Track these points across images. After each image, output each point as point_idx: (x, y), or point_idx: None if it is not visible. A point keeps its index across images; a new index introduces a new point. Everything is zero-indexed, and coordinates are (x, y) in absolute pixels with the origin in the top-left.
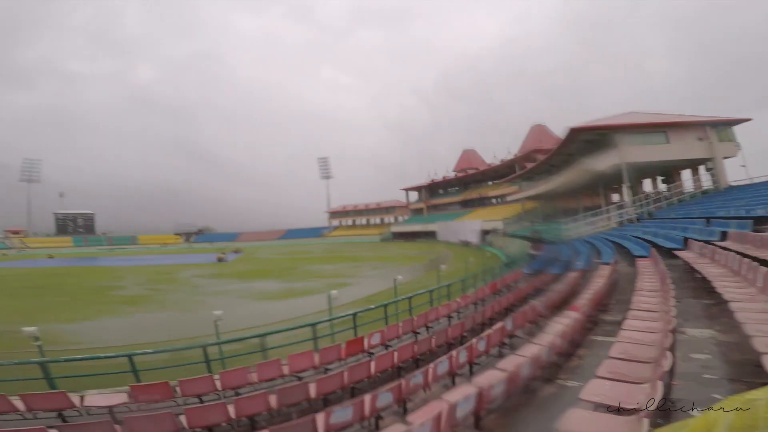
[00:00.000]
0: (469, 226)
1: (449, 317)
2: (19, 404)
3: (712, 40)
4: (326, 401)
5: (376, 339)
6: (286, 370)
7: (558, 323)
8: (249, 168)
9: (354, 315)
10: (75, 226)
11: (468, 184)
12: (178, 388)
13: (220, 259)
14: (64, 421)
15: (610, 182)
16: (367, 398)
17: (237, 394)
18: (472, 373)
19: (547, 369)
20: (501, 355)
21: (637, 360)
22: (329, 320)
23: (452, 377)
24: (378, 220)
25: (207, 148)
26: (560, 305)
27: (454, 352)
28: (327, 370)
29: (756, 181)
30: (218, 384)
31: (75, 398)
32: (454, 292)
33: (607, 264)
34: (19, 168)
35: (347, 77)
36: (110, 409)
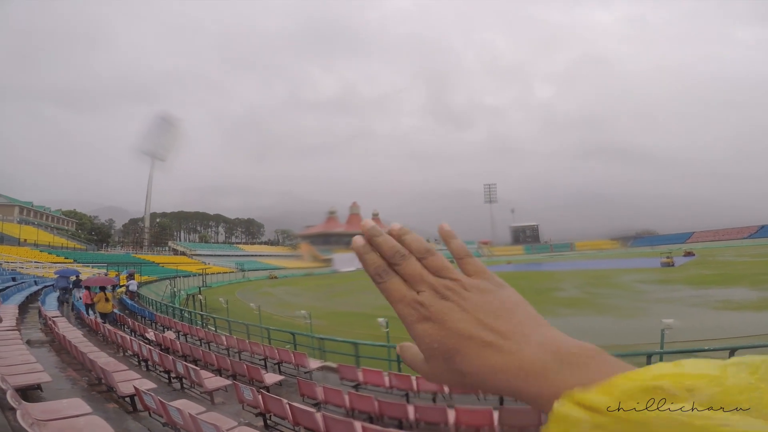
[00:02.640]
0: None
1: None
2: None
3: None
4: None
5: None
6: None
7: None
8: (690, 159)
9: None
10: (525, 236)
11: None
12: None
13: (665, 264)
14: (501, 404)
15: None
16: None
17: None
18: None
19: None
20: None
21: None
22: None
23: None
24: None
25: (629, 148)
26: None
27: None
28: None
29: None
30: None
31: None
32: None
33: None
34: (481, 192)
35: None
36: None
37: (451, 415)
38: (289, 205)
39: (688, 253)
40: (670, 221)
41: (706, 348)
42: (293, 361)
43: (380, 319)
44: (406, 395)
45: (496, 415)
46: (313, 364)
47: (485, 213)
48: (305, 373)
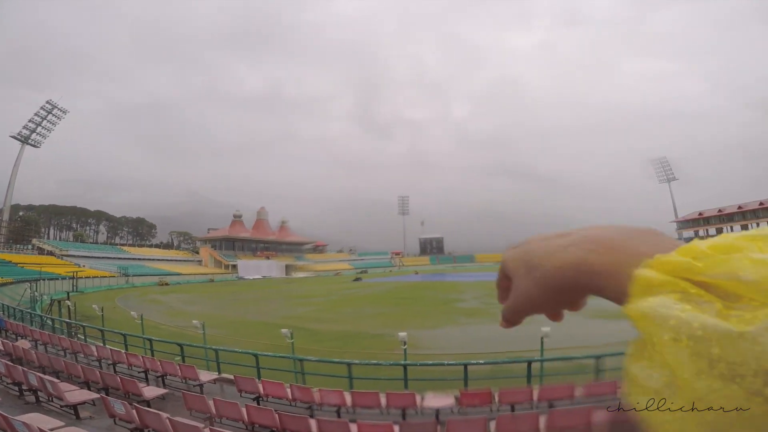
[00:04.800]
0: None
1: None
2: (383, 400)
3: None
4: None
5: None
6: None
7: None
8: (573, 179)
9: None
10: (431, 247)
11: None
12: (497, 396)
13: None
14: (404, 418)
15: None
16: None
17: (551, 406)
18: None
19: None
20: None
21: None
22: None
23: None
24: (762, 225)
25: (527, 168)
26: None
27: None
28: None
29: None
30: (535, 396)
31: (418, 398)
32: None
33: None
34: (396, 203)
35: (664, 63)
36: (437, 411)
37: (354, 429)
38: (191, 206)
39: None
40: None
41: (577, 356)
42: (180, 374)
43: (284, 330)
44: (310, 408)
45: (397, 429)
46: (206, 376)
47: (399, 224)
48: (196, 386)
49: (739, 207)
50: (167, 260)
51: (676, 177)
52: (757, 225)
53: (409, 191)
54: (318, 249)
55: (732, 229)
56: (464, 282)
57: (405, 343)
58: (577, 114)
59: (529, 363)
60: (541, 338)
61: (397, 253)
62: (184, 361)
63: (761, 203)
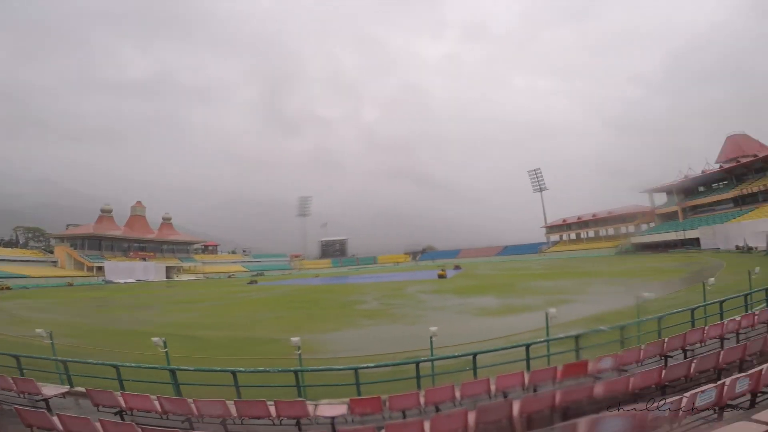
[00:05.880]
0: (750, 227)
1: (722, 339)
2: (272, 410)
3: None
4: (530, 422)
5: (607, 363)
6: (493, 388)
7: None
8: (463, 186)
9: (577, 336)
10: (333, 250)
11: (742, 176)
12: (387, 402)
13: (440, 276)
14: (299, 429)
15: None
16: (583, 423)
17: (437, 410)
18: (754, 405)
19: None
20: None
21: None
22: (544, 341)
23: (720, 410)
24: (611, 231)
25: (425, 173)
26: None
27: (727, 381)
28: (537, 389)
29: None
30: (422, 400)
31: (311, 407)
32: (731, 311)
33: None
34: (297, 204)
35: (546, 81)
36: (332, 419)
37: None
38: (44, 197)
39: (457, 267)
40: (446, 239)
41: (457, 354)
42: (15, 388)
43: (155, 339)
44: (188, 421)
45: None
46: (52, 390)
47: (300, 225)
48: (39, 401)
49: (593, 215)
50: (11, 260)
51: (547, 187)
52: (606, 231)
53: (312, 191)
54: (208, 249)
55: (588, 234)
56: (366, 283)
57: (299, 348)
58: (471, 125)
59: (417, 364)
60: (430, 338)
61: (297, 256)
62: (22, 374)
63: (594, 215)
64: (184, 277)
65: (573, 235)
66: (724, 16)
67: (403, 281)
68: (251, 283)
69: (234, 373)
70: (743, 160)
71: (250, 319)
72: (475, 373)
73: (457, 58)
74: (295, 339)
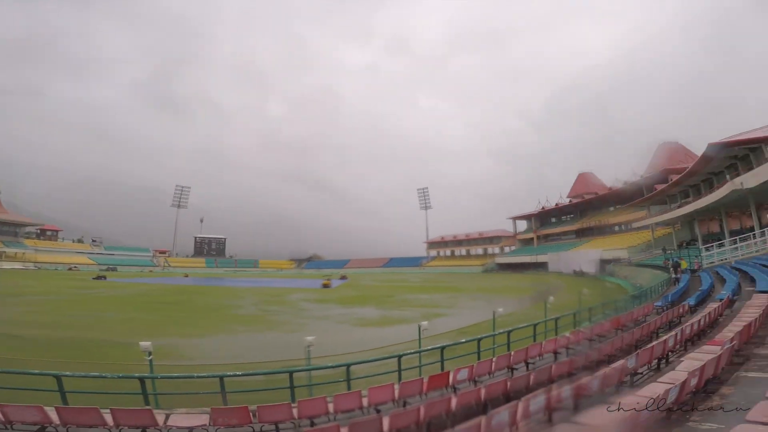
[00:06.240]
0: (585, 255)
1: (555, 353)
2: (108, 418)
3: None
4: None
5: (463, 374)
6: (365, 402)
7: (693, 359)
8: (358, 197)
9: (442, 348)
10: (209, 249)
11: (584, 211)
12: (257, 413)
13: (325, 285)
14: None
15: (764, 200)
16: None
17: (312, 424)
18: (576, 409)
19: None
20: (618, 393)
21: None
22: (415, 353)
23: (549, 414)
24: (480, 251)
25: (323, 179)
26: (697, 340)
27: (554, 388)
28: (406, 403)
29: None
30: (295, 412)
31: (161, 416)
32: (565, 326)
33: (764, 292)
34: (172, 193)
35: (447, 105)
36: (190, 430)
37: None
38: None
39: (343, 277)
40: (336, 248)
41: (331, 365)
42: None
43: None
44: None
45: None
46: None
47: (171, 218)
48: None
49: (467, 235)
50: None
51: (432, 206)
52: (476, 250)
53: (192, 182)
54: (46, 235)
55: (461, 252)
56: (244, 287)
57: (150, 354)
58: (377, 137)
59: (291, 374)
60: (307, 347)
61: (163, 252)
62: None
63: (467, 235)
64: (6, 265)
65: (449, 252)
66: (598, 60)
67: (286, 288)
68: (98, 278)
69: (58, 377)
70: (587, 197)
71: (94, 318)
72: (348, 385)
73: (376, 68)
74: (145, 343)
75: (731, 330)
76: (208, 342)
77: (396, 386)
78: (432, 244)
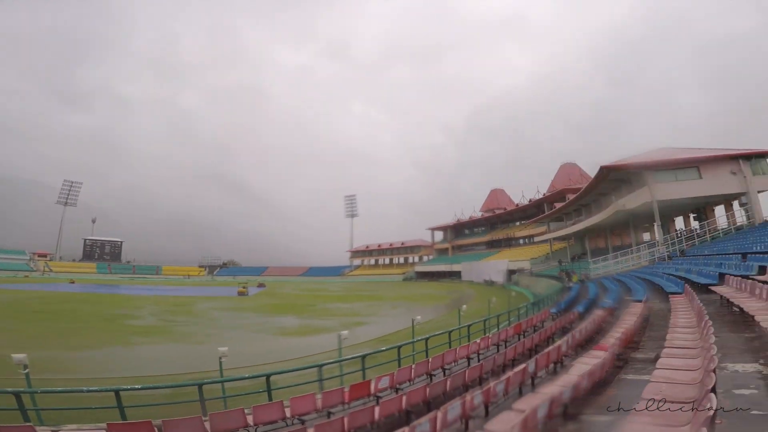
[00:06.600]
0: (494, 266)
1: (468, 359)
2: None
3: (742, 66)
4: None
5: (384, 382)
6: (288, 412)
7: (583, 363)
8: (280, 202)
9: (363, 357)
10: (102, 252)
11: (495, 225)
12: (162, 428)
13: (240, 293)
14: None
15: (640, 221)
16: None
17: None
18: (487, 414)
19: (569, 409)
20: (521, 395)
21: (674, 400)
22: (336, 362)
23: (465, 421)
24: (402, 260)
25: (241, 181)
26: (586, 344)
27: (468, 396)
28: (330, 414)
29: None
30: (208, 426)
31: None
32: (476, 333)
33: (639, 301)
34: (59, 190)
35: (379, 114)
36: None
37: None
38: None
39: (261, 285)
40: (253, 255)
41: (248, 375)
42: None
43: None
44: None
45: None
46: None
47: (56, 217)
48: None
49: (390, 245)
50: None
51: (358, 214)
52: (398, 259)
53: (84, 177)
54: None
55: (384, 261)
56: (143, 296)
57: (26, 367)
58: (304, 141)
59: (200, 386)
60: (220, 359)
61: (43, 255)
62: None
63: (390, 244)
64: None
65: (373, 261)
66: (516, 83)
67: (194, 297)
68: None
69: None
70: (497, 212)
71: None
72: (269, 396)
73: (311, 71)
74: (18, 356)
75: (613, 336)
76: (99, 355)
77: (318, 396)
78: (356, 253)
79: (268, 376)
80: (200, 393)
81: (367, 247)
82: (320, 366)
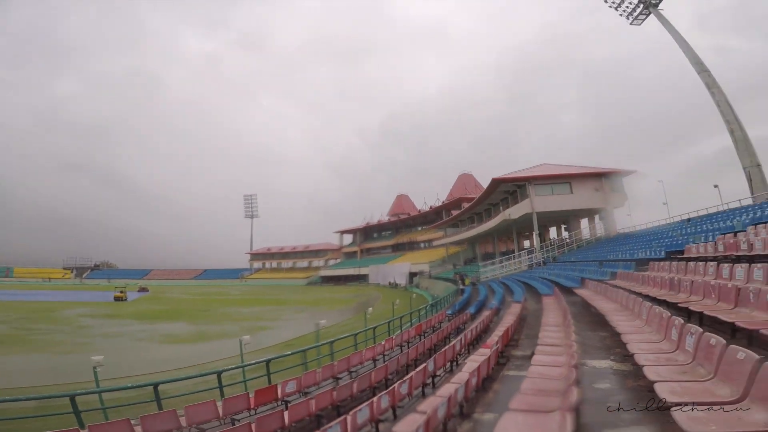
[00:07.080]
0: (398, 269)
1: (374, 360)
2: None
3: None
4: None
5: (291, 386)
6: (183, 421)
7: (473, 361)
8: (173, 200)
9: (267, 361)
10: None
11: (399, 229)
12: None
13: (117, 298)
14: None
15: (523, 229)
16: None
17: None
18: (395, 417)
19: (463, 406)
20: (424, 395)
21: (546, 393)
22: (238, 367)
23: (375, 425)
24: (306, 264)
25: (120, 174)
26: (476, 343)
27: (375, 399)
28: (235, 421)
29: (638, 228)
30: None
31: None
32: (381, 335)
33: (518, 302)
34: None
35: (291, 111)
36: None
37: None
38: None
39: (143, 289)
40: (134, 256)
41: (129, 385)
42: None
43: None
44: None
45: None
46: None
47: None
48: None
49: (294, 247)
50: None
51: (260, 215)
52: (303, 263)
53: None
54: None
55: (288, 264)
56: None
57: None
58: (202, 133)
59: (72, 397)
60: (94, 368)
61: None
62: None
63: (294, 247)
64: None
65: (275, 264)
66: (428, 93)
67: (58, 302)
68: None
69: None
70: (402, 217)
71: None
72: (159, 405)
73: (218, 60)
74: None
75: (497, 334)
76: None
77: (219, 403)
78: (256, 256)
79: (155, 385)
80: (73, 405)
81: (269, 249)
82: (219, 372)
